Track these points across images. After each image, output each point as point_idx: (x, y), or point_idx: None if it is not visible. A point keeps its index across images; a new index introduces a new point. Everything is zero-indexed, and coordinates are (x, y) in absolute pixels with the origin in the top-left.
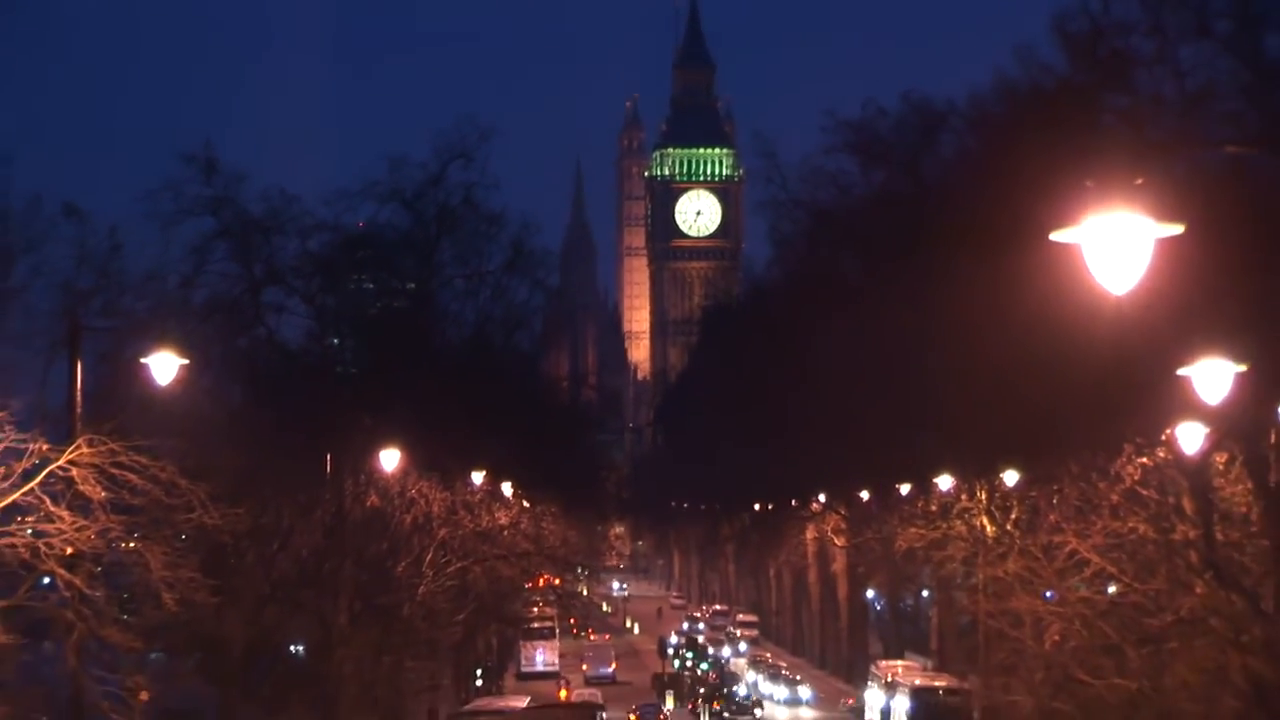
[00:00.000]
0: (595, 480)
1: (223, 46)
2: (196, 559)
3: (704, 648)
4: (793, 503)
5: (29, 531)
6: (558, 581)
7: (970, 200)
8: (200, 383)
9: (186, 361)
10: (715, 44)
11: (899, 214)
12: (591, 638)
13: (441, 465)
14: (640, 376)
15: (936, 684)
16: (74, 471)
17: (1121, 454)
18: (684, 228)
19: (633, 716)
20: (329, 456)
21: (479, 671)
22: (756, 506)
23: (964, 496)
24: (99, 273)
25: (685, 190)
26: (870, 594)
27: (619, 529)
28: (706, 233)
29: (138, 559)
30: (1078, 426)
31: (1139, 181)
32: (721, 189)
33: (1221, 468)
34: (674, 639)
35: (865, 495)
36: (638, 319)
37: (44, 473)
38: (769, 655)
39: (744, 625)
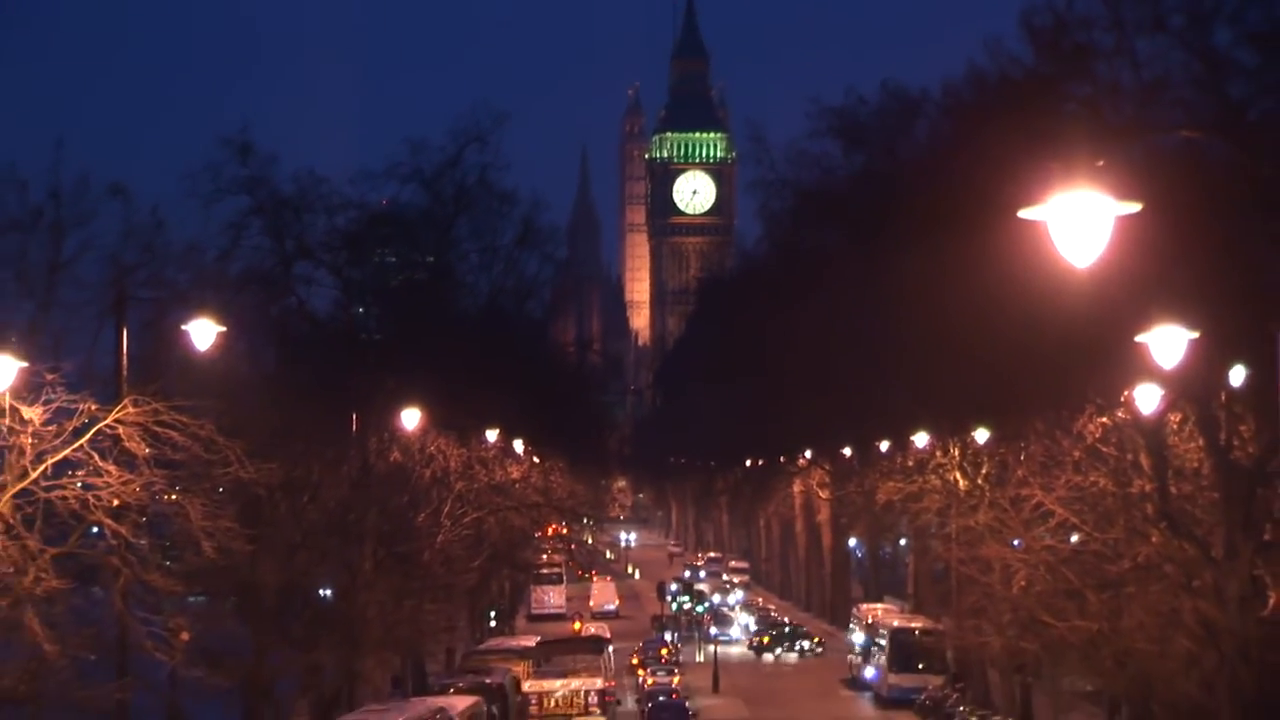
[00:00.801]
0: (599, 438)
1: (257, 38)
2: (233, 510)
3: (699, 591)
4: (781, 459)
5: (79, 484)
6: (565, 530)
7: (943, 180)
8: (236, 348)
9: (224, 329)
10: (710, 36)
11: (878, 193)
12: (595, 580)
13: (458, 424)
14: (641, 343)
15: (913, 625)
16: (120, 429)
17: (1083, 414)
18: (681, 206)
19: (635, 658)
20: (355, 416)
21: (493, 613)
22: (748, 462)
23: (938, 453)
24: (143, 247)
25: (682, 171)
26: (852, 543)
27: (621, 482)
28: (702, 210)
29: (179, 510)
30: (1043, 388)
31: (1100, 163)
32: (716, 170)
33: (1175, 427)
34: (673, 584)
35: (848, 452)
36: (638, 289)
37: (93, 430)
38: (760, 600)
39: (736, 572)
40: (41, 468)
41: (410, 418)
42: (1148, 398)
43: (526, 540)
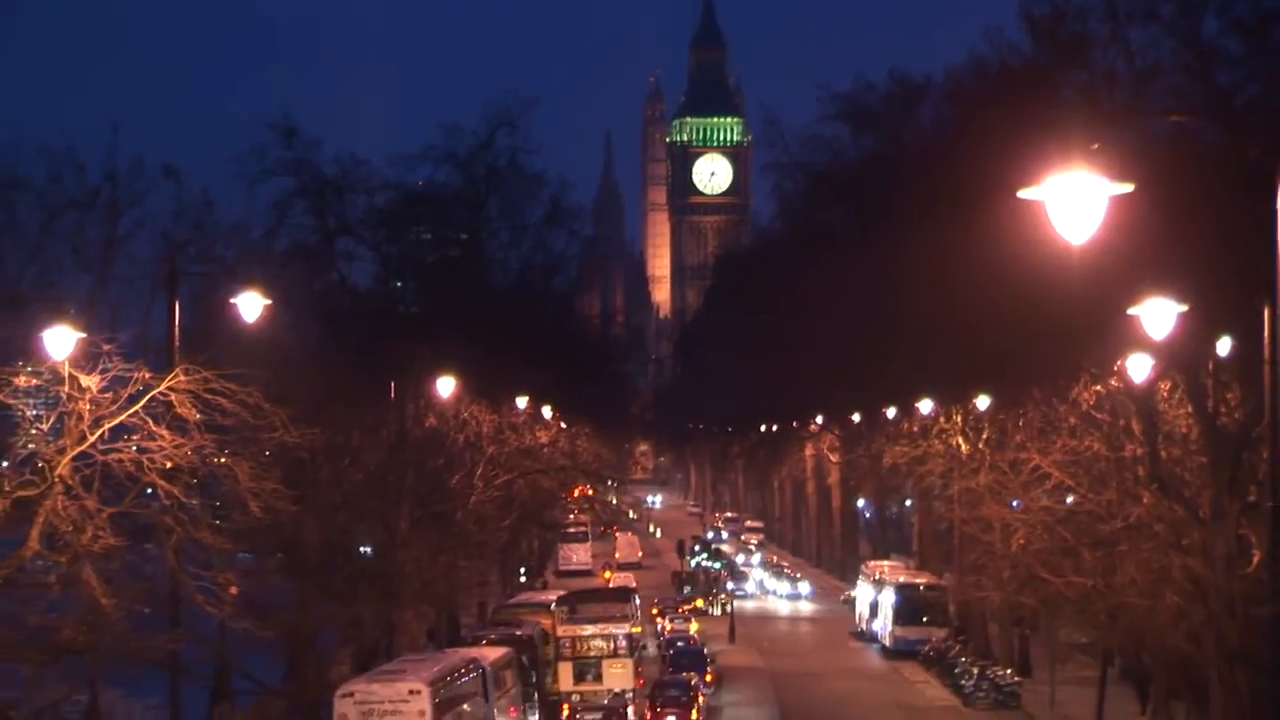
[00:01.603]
0: (623, 404)
1: (302, 28)
2: (278, 472)
3: (717, 549)
4: (793, 424)
5: (134, 448)
6: (591, 492)
7: (947, 162)
8: (281, 320)
9: (269, 302)
10: (727, 27)
11: (885, 174)
12: (619, 536)
13: (490, 391)
14: (662, 315)
15: (918, 581)
16: (173, 396)
17: (1078, 382)
18: (700, 186)
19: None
20: (393, 384)
21: (522, 570)
22: (762, 427)
23: (942, 419)
24: (194, 225)
25: (701, 154)
26: (860, 503)
27: (643, 446)
28: (719, 191)
29: (228, 472)
30: (1040, 358)
31: (1095, 146)
32: (732, 153)
33: (1165, 395)
34: (696, 545)
35: (856, 417)
36: (659, 265)
37: (147, 397)
38: (774, 556)
39: (751, 530)
40: (99, 432)
41: (445, 385)
42: (1139, 367)
43: (554, 501)
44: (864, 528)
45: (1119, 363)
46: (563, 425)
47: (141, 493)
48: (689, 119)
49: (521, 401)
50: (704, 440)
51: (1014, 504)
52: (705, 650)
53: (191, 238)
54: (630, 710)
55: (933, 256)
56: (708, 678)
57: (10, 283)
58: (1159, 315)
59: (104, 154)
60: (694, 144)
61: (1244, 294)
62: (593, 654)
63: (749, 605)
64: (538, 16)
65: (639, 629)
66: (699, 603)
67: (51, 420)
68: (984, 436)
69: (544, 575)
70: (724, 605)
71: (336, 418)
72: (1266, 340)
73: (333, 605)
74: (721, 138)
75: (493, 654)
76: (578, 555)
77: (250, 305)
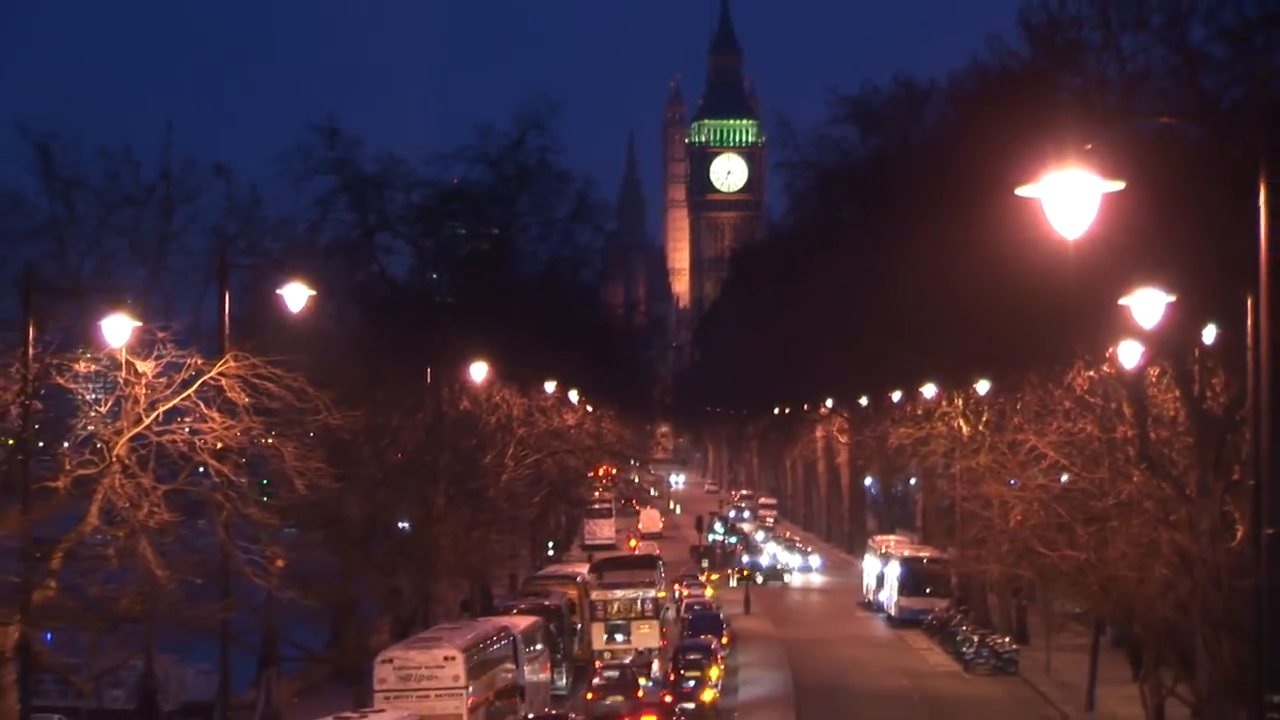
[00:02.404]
0: (645, 388)
1: (341, 34)
2: (322, 452)
3: (733, 524)
4: (805, 407)
5: (187, 429)
6: (615, 471)
7: (949, 161)
8: (325, 310)
9: (314, 292)
10: (743, 34)
11: (890, 173)
12: (642, 509)
13: (520, 376)
14: (681, 305)
15: (922, 554)
16: (223, 381)
17: (1072, 368)
18: (717, 184)
19: (678, 585)
20: (429, 369)
21: (550, 544)
22: (775, 410)
23: (944, 402)
24: (243, 220)
25: (718, 154)
26: (868, 481)
27: (664, 428)
28: (735, 189)
29: (274, 452)
30: (1037, 345)
31: (1088, 146)
32: (748, 153)
33: (1154, 379)
34: (716, 523)
35: (864, 401)
36: (679, 258)
37: (199, 382)
38: (787, 532)
39: (765, 507)
40: (154, 415)
41: (478, 371)
42: (1130, 354)
43: (580, 479)
44: (871, 504)
45: (1111, 350)
46: (588, 408)
47: (194, 471)
48: (707, 121)
49: (550, 386)
50: (721, 422)
51: (1012, 482)
52: (721, 615)
53: (241, 232)
54: (655, 666)
55: (936, 250)
56: (724, 640)
57: (71, 274)
58: (1148, 305)
59: (159, 153)
60: (711, 144)
61: (1228, 285)
62: (622, 615)
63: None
64: (565, 25)
65: (664, 594)
66: (726, 572)
67: (110, 404)
68: (984, 419)
69: (571, 549)
70: (743, 578)
71: (376, 401)
72: (1249, 328)
73: (373, 577)
74: (737, 138)
75: (523, 622)
76: (602, 530)
77: (296, 296)
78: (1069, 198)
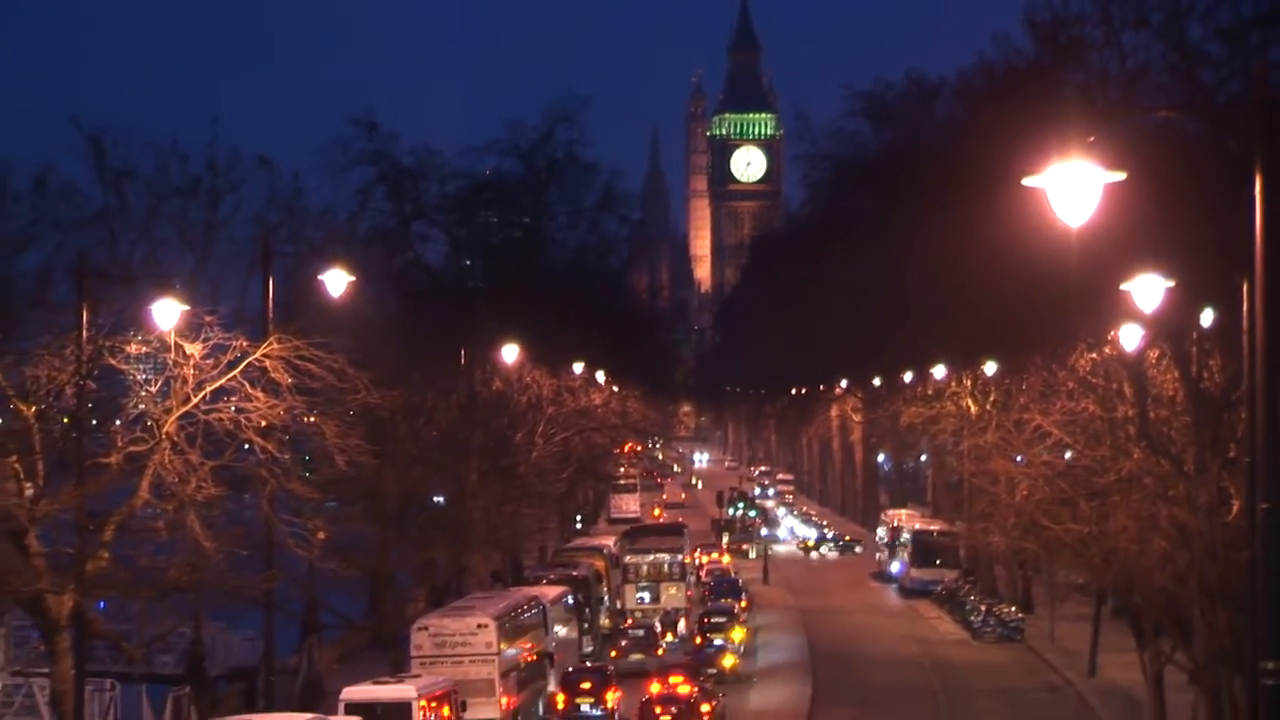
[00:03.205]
0: (668, 369)
1: (379, 30)
2: (361, 430)
3: (752, 498)
4: (820, 387)
5: (233, 408)
6: (639, 448)
7: (957, 154)
8: (364, 295)
9: (353, 278)
10: (761, 31)
11: (902, 164)
12: (664, 482)
13: (549, 358)
14: (703, 290)
15: (932, 527)
16: (267, 362)
17: (1075, 350)
18: (737, 175)
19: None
20: (463, 351)
21: (578, 517)
22: (792, 390)
23: (953, 383)
24: (285, 210)
25: (738, 146)
26: (880, 458)
27: (686, 407)
28: (754, 179)
29: (316, 430)
30: (1041, 329)
31: (1091, 139)
32: (766, 145)
33: (1154, 361)
34: (739, 501)
35: (877, 381)
36: (701, 245)
37: (244, 363)
38: (805, 507)
39: (783, 483)
40: (201, 394)
41: (509, 353)
42: (1130, 336)
43: (607, 456)
44: (883, 480)
45: (1112, 332)
46: (614, 388)
47: (239, 448)
48: (727, 115)
49: (578, 367)
50: (740, 402)
51: (1018, 459)
52: (740, 580)
53: (283, 221)
54: (682, 624)
55: (945, 237)
56: (743, 603)
57: (122, 261)
58: (1148, 290)
59: (205, 146)
60: (732, 137)
61: (1225, 271)
62: (651, 578)
63: (781, 550)
64: (592, 25)
65: (690, 559)
66: (742, 546)
67: (159, 384)
68: (991, 399)
69: (597, 523)
70: (761, 549)
71: (413, 381)
72: (1245, 312)
73: (409, 549)
74: (756, 132)
75: (552, 592)
76: (628, 504)
77: (336, 281)
78: (1072, 188)
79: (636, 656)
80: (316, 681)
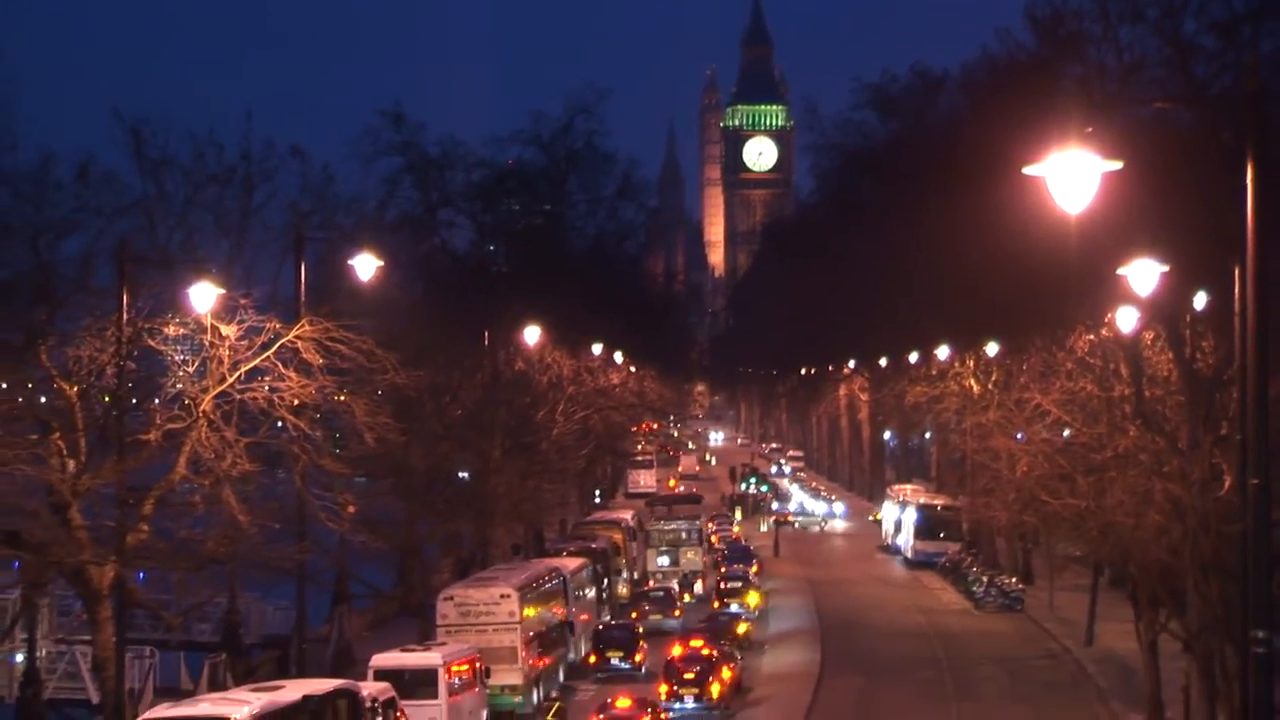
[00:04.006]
0: (683, 351)
1: (405, 25)
2: (389, 408)
3: (764, 474)
4: (829, 368)
5: (266, 388)
6: (656, 426)
7: (961, 143)
8: (391, 279)
9: (381, 263)
10: (773, 27)
11: (908, 154)
12: (680, 456)
13: (569, 339)
14: (716, 275)
15: (936, 502)
16: (299, 343)
17: (1074, 332)
18: (749, 165)
19: (711, 524)
20: (486, 333)
21: (597, 492)
22: (802, 370)
23: (957, 363)
24: (317, 197)
25: (750, 137)
26: (886, 435)
27: (700, 387)
28: (766, 168)
29: (346, 408)
30: (1041, 311)
31: (1089, 130)
32: (777, 135)
33: (1149, 342)
34: (753, 478)
35: (883, 362)
36: (714, 232)
37: (277, 345)
38: (814, 482)
39: (793, 459)
40: (236, 374)
41: (531, 334)
42: (1127, 319)
43: (624, 433)
44: (889, 456)
45: (1109, 315)
46: (631, 368)
47: (272, 425)
48: (740, 106)
49: (596, 348)
50: (752, 381)
51: (1018, 436)
52: (751, 547)
53: (315, 208)
54: (699, 585)
55: (949, 224)
56: (754, 568)
57: (160, 247)
58: (1144, 274)
59: (240, 136)
60: (744, 128)
61: (1218, 256)
62: (671, 543)
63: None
64: (612, 22)
65: (708, 524)
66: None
67: (196, 364)
68: (993, 378)
69: (615, 497)
70: (775, 522)
71: (439, 362)
72: (1237, 296)
73: (435, 522)
74: (768, 123)
75: (572, 564)
76: (644, 479)
77: (365, 266)
78: (1071, 177)
79: (656, 617)
80: (346, 649)
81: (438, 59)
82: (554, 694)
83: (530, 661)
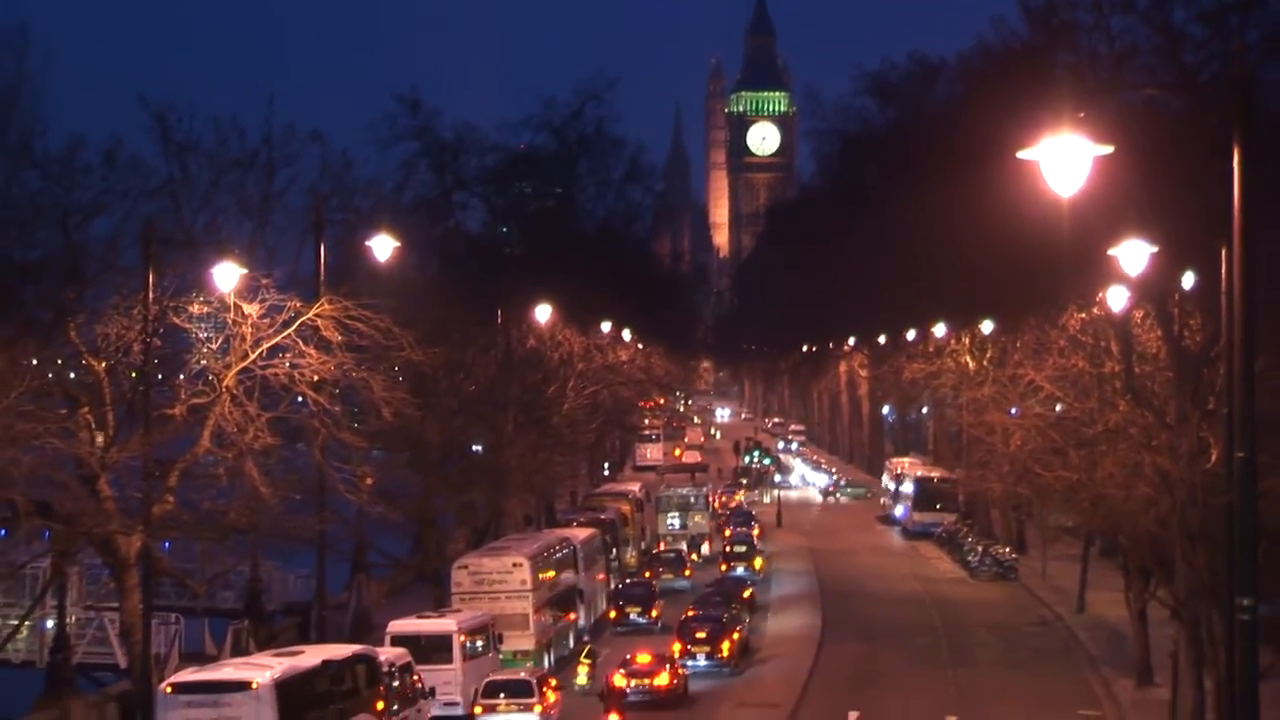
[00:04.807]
0: (689, 329)
1: (420, 11)
2: (406, 384)
3: (767, 447)
4: (830, 345)
5: (287, 364)
6: (663, 401)
7: (957, 129)
8: (408, 259)
9: (398, 244)
10: (776, 16)
11: (906, 139)
12: (686, 428)
13: (580, 318)
14: (721, 255)
15: (933, 474)
16: (319, 321)
17: (1066, 310)
18: (753, 149)
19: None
20: (500, 311)
21: (606, 464)
22: (804, 348)
23: (953, 340)
24: (336, 180)
25: (754, 122)
26: (885, 410)
27: (706, 363)
28: (769, 153)
29: (364, 384)
30: (1035, 290)
31: (1081, 115)
32: (780, 121)
33: (1139, 320)
34: (756, 450)
35: (882, 339)
36: (719, 214)
37: (298, 323)
38: (815, 456)
39: (796, 433)
40: (258, 351)
41: (543, 313)
42: (1117, 298)
43: (632, 408)
44: (888, 431)
45: (1100, 294)
46: (639, 346)
47: (293, 400)
48: (744, 93)
49: (606, 326)
50: (756, 358)
51: (1012, 411)
52: (752, 512)
53: (334, 191)
54: (706, 546)
55: (946, 206)
56: (756, 531)
57: (185, 228)
58: (1134, 254)
59: (261, 122)
60: (748, 114)
61: (1205, 237)
62: (680, 507)
63: (793, 495)
64: (622, 11)
65: (713, 496)
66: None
67: (220, 341)
68: (988, 355)
69: (624, 469)
70: (775, 493)
71: (454, 339)
72: (1224, 276)
73: (450, 493)
74: (771, 109)
75: (582, 534)
76: (652, 452)
77: (382, 247)
78: (1064, 160)
79: (668, 576)
80: (365, 616)
81: (452, 47)
82: (585, 638)
83: (541, 628)
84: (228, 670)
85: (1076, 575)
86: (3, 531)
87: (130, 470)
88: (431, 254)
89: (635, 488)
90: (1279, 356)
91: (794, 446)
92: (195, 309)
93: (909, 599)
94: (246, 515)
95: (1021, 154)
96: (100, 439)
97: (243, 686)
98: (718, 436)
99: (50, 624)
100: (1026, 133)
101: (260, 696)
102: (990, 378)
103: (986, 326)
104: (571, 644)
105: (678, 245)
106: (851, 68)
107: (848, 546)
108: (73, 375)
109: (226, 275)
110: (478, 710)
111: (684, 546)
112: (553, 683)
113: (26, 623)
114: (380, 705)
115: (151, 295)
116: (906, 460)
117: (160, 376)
